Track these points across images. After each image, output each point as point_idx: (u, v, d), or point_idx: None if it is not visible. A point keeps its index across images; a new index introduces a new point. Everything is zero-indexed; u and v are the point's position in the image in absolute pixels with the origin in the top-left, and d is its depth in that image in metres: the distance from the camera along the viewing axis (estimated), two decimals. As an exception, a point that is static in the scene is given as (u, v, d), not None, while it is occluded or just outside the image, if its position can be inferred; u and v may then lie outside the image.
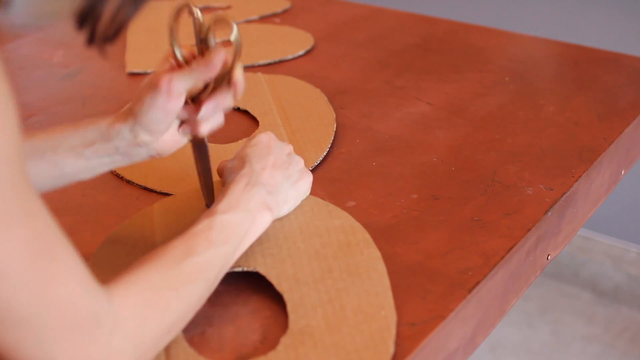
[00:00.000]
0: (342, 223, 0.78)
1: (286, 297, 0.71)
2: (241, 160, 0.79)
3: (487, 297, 0.77)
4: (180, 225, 0.78)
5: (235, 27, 0.67)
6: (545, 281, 2.01)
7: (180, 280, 0.64)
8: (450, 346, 0.73)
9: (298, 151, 0.94)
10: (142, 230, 0.80)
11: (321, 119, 1.05)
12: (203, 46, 0.72)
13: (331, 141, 0.99)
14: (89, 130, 0.73)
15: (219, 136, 1.02)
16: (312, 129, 1.02)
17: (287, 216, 0.80)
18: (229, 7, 1.47)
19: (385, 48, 1.29)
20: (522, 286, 0.85)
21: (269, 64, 1.22)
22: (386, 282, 0.72)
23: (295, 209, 0.81)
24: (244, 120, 1.07)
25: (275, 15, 1.43)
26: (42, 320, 0.52)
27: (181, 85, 0.69)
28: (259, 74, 1.17)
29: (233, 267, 0.74)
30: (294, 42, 1.30)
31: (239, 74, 0.71)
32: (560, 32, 1.61)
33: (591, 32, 1.78)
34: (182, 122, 0.75)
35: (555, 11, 1.84)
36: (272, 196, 0.76)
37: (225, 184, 0.79)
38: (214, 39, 0.71)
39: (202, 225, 0.69)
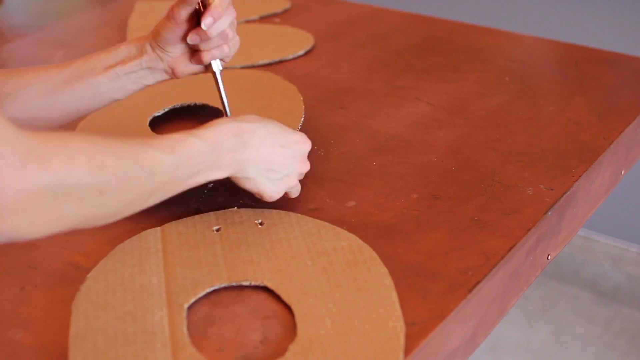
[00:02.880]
0: (349, 243, 0.79)
1: (294, 307, 0.71)
2: (258, 118, 0.79)
3: (487, 297, 0.77)
4: (190, 240, 0.80)
5: None
6: (545, 281, 2.01)
7: (125, 154, 0.65)
8: (450, 346, 0.73)
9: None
10: (148, 246, 0.80)
11: (284, 94, 1.04)
12: None
13: (303, 108, 0.99)
14: (120, 50, 0.86)
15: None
16: (279, 103, 1.02)
17: (294, 237, 0.79)
18: (228, 7, 1.46)
19: (385, 48, 1.29)
20: (522, 286, 0.85)
21: (269, 64, 1.22)
22: (394, 295, 0.72)
23: (302, 231, 0.80)
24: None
25: (275, 15, 1.43)
26: None
27: (181, 12, 0.83)
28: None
29: (241, 281, 0.74)
30: (294, 42, 1.30)
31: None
32: (560, 32, 1.61)
33: (591, 32, 1.78)
34: (197, 52, 0.87)
35: (555, 11, 1.84)
36: (243, 163, 0.76)
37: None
38: None
39: (175, 135, 0.71)
